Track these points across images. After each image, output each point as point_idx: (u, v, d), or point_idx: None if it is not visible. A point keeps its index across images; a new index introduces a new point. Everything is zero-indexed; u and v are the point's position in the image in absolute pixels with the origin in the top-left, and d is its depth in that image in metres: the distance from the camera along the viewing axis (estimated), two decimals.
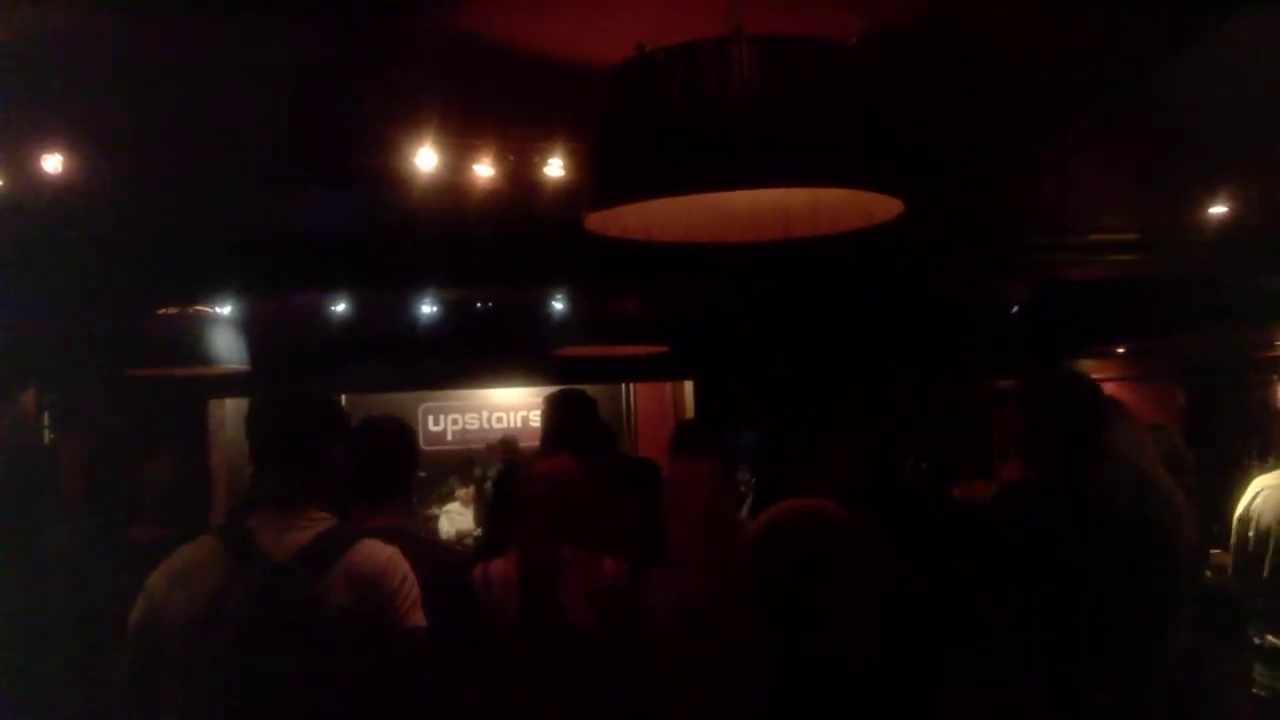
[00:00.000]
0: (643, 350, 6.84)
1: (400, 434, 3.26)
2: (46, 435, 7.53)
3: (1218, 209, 5.72)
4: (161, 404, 6.73)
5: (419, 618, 2.49)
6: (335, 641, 2.37)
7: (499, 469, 4.95)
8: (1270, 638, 3.96)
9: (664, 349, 6.81)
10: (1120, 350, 9.81)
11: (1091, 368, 9.83)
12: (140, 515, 3.64)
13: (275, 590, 2.36)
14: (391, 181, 4.33)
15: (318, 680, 2.35)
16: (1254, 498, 4.13)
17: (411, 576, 2.52)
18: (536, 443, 4.72)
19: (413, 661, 2.47)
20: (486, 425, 11.04)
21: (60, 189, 4.20)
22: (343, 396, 10.19)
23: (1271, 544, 4.00)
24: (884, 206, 2.42)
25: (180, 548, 2.48)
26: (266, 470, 2.55)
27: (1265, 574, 3.99)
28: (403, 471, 3.18)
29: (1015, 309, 7.66)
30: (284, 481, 2.51)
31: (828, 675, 2.35)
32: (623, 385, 10.50)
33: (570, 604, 3.10)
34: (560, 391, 4.43)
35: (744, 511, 4.96)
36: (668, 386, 10.41)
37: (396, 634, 2.45)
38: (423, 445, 10.09)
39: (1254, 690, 4.01)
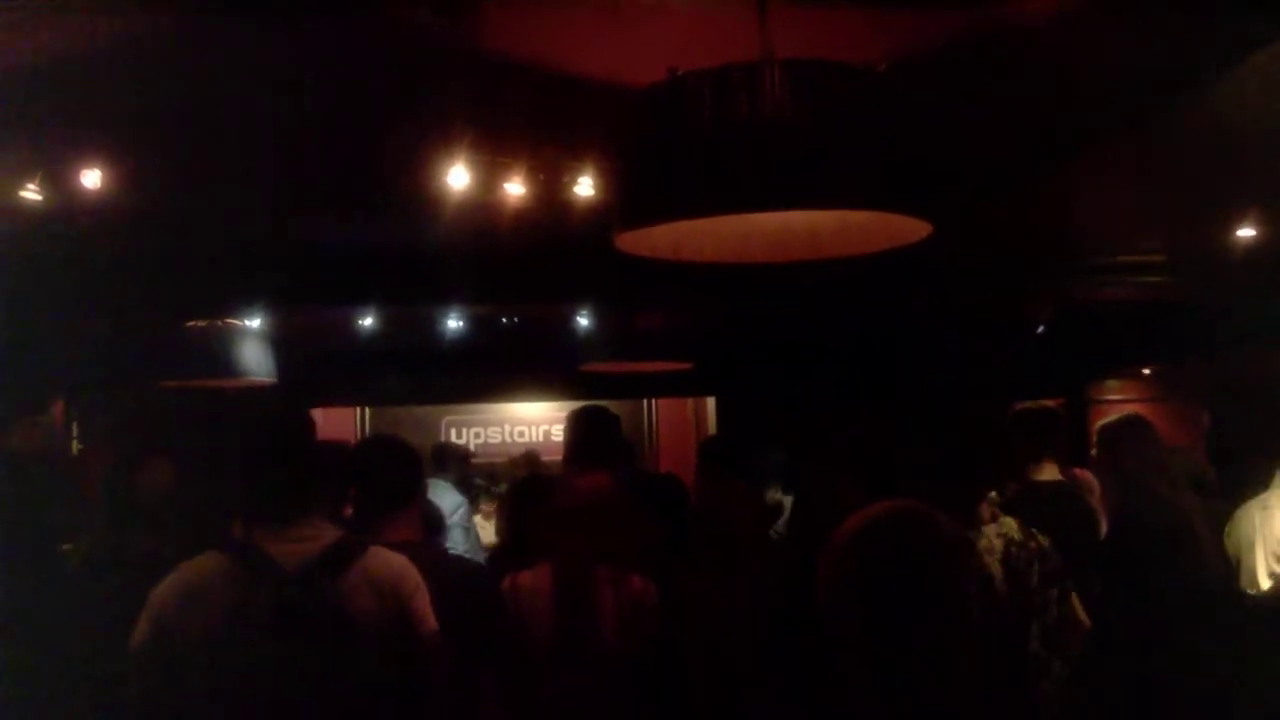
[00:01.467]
0: (667, 367, 6.86)
1: (403, 449, 3.30)
2: (75, 446, 7.60)
3: (1245, 231, 5.70)
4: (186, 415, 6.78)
5: (433, 621, 2.53)
6: (360, 647, 2.39)
7: (513, 482, 4.98)
8: None
9: (688, 365, 6.83)
10: (1146, 371, 9.76)
11: (1117, 388, 9.78)
12: (135, 525, 3.62)
13: (297, 600, 2.37)
14: (423, 199, 4.37)
15: (346, 686, 2.37)
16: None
17: (423, 582, 2.55)
18: (559, 457, 4.73)
19: (434, 664, 2.51)
20: (509, 439, 11.06)
21: (93, 203, 4.25)
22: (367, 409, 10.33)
23: None
24: (912, 228, 2.44)
25: (183, 564, 2.48)
26: (260, 484, 2.56)
27: None
28: (409, 486, 3.21)
29: (1041, 329, 7.64)
30: (281, 494, 2.52)
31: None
32: (644, 401, 10.51)
33: (602, 620, 3.12)
34: (584, 408, 4.46)
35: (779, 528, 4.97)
36: (689, 402, 10.43)
37: (417, 637, 2.48)
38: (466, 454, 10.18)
39: None
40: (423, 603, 2.52)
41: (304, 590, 2.38)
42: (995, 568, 3.33)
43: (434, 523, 4.77)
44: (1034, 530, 3.53)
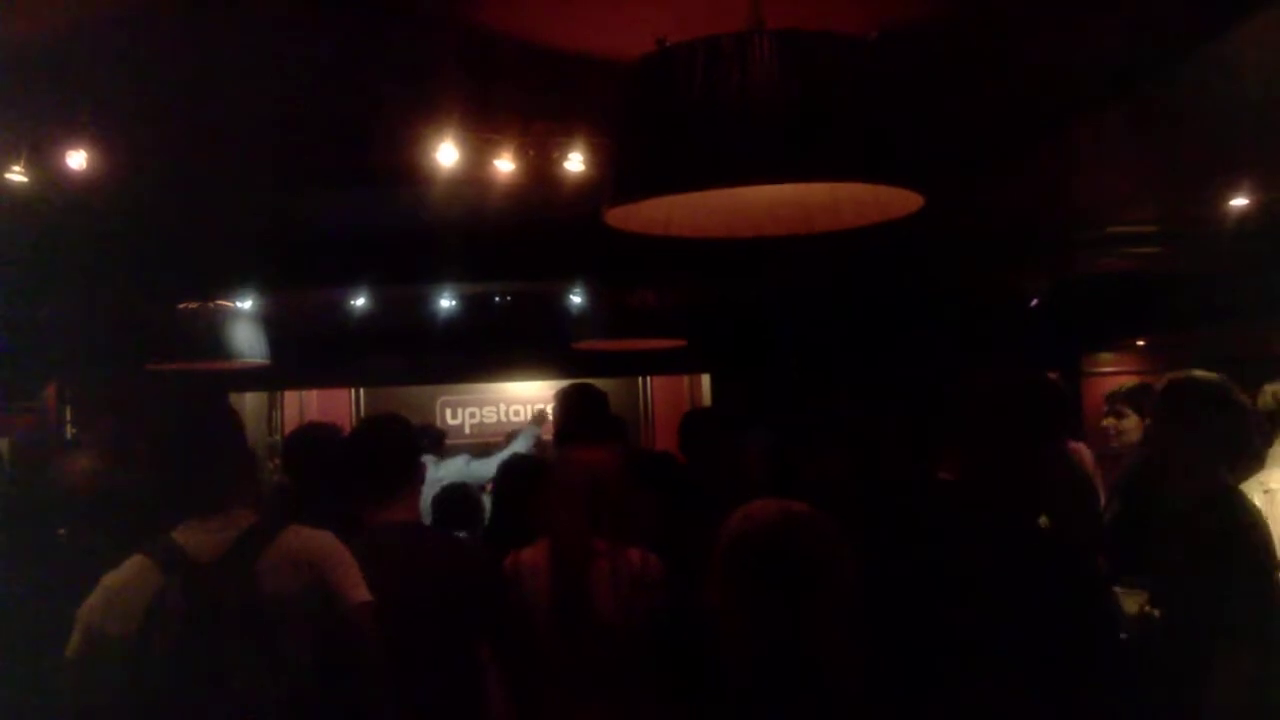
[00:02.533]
0: (660, 344, 6.85)
1: (399, 429, 3.28)
2: (68, 430, 7.59)
3: (1239, 201, 5.69)
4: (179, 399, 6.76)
5: (361, 592, 2.49)
6: (276, 627, 2.38)
7: (503, 462, 4.99)
8: None
9: (682, 343, 6.82)
10: (1141, 344, 9.76)
11: (1111, 361, 9.79)
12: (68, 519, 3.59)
13: (206, 589, 2.37)
14: (412, 176, 4.35)
15: (265, 667, 2.36)
16: None
17: (347, 554, 2.53)
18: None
19: (360, 636, 2.47)
20: (504, 418, 11.04)
21: (82, 185, 4.22)
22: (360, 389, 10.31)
23: None
24: (903, 201, 2.42)
25: (110, 573, 2.47)
26: (181, 477, 2.55)
27: None
28: (405, 466, 3.20)
29: (1035, 302, 7.64)
30: (201, 486, 2.51)
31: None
32: (640, 379, 10.50)
33: (598, 595, 3.11)
34: (572, 386, 4.45)
35: None
36: (685, 380, 10.42)
37: (340, 610, 2.45)
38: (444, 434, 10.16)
39: None
40: (346, 575, 2.49)
41: (218, 578, 2.38)
42: None
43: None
44: None
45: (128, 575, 2.45)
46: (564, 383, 4.64)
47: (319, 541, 2.52)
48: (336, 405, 9.99)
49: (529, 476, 4.10)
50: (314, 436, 3.95)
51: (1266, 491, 3.96)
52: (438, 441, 7.36)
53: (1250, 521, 3.08)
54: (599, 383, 4.58)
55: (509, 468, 4.50)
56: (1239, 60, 3.63)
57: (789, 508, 1.91)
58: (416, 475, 3.24)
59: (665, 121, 2.22)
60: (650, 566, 3.22)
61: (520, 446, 7.02)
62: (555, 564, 3.17)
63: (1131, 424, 4.91)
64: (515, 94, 3.92)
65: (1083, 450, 5.04)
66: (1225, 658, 2.80)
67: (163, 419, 2.62)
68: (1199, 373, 3.33)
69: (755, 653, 1.85)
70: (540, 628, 3.14)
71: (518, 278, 6.98)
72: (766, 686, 1.84)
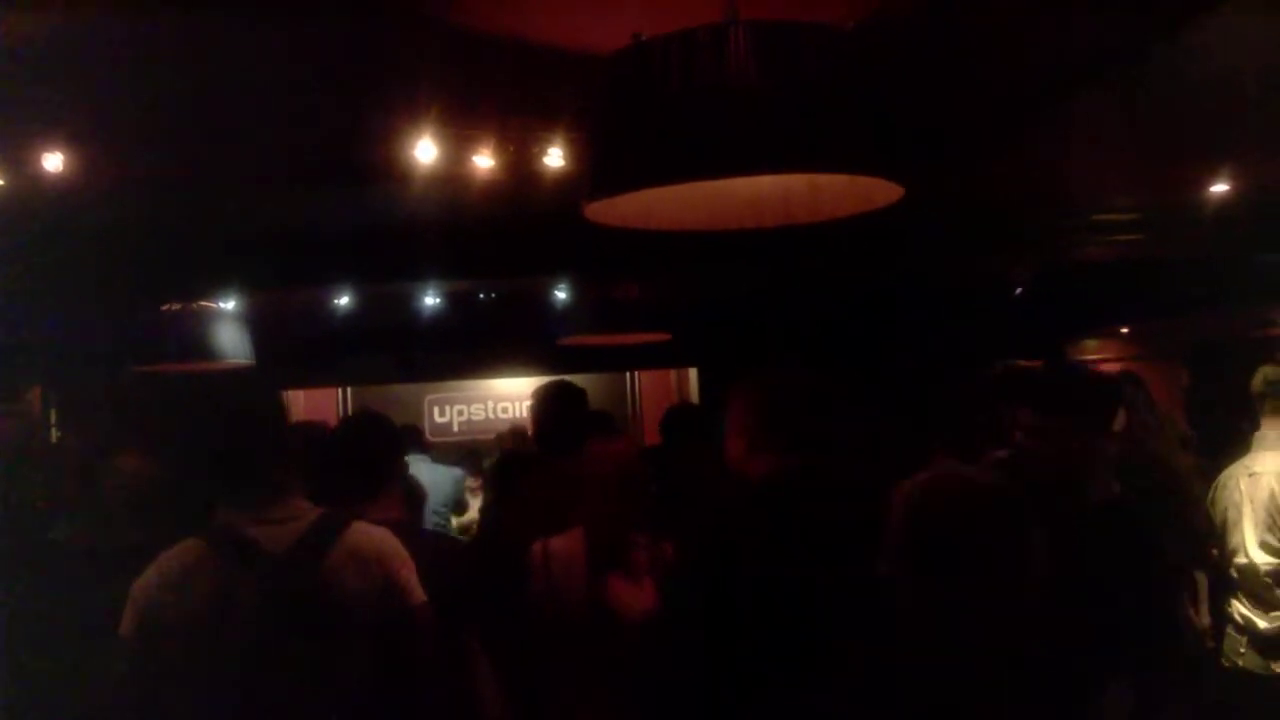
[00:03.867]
0: (646, 338, 6.85)
1: (380, 426, 3.27)
2: (53, 434, 7.55)
3: (1219, 187, 5.71)
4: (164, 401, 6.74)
5: (421, 594, 2.51)
6: (349, 625, 2.38)
7: (495, 458, 4.97)
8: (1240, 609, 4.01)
9: (667, 337, 6.82)
10: (1124, 330, 9.79)
11: (1096, 348, 9.82)
12: (111, 514, 3.57)
13: (284, 582, 2.36)
14: (391, 174, 4.34)
15: (339, 665, 2.36)
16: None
17: (407, 554, 2.53)
18: None
19: (426, 636, 2.50)
20: (492, 416, 11.04)
21: (61, 187, 4.20)
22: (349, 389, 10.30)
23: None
24: (884, 191, 2.41)
25: (163, 554, 2.44)
26: (234, 468, 2.52)
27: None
28: (388, 463, 3.19)
29: (1019, 290, 7.66)
30: (257, 477, 2.49)
31: None
32: (627, 374, 10.50)
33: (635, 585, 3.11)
34: (550, 384, 4.41)
35: None
36: (672, 374, 10.42)
37: (405, 610, 2.46)
38: (429, 437, 10.15)
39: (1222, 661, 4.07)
40: (409, 575, 2.50)
41: (291, 572, 2.37)
42: None
43: (415, 498, 4.76)
44: None
45: (186, 558, 2.41)
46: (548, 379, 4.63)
47: (385, 540, 2.52)
48: (323, 405, 9.97)
49: (524, 473, 4.11)
50: (303, 435, 3.93)
51: (1251, 475, 3.98)
52: (418, 441, 7.35)
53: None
54: (586, 378, 4.58)
55: (502, 465, 4.50)
56: (1221, 45, 3.64)
57: (972, 480, 1.90)
58: (398, 473, 3.23)
59: (642, 115, 2.21)
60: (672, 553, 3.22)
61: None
62: (593, 554, 3.17)
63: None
64: (493, 90, 3.91)
65: None
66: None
67: (219, 411, 2.60)
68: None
69: (936, 623, 1.83)
70: (573, 617, 3.13)
71: (501, 274, 6.97)
72: (948, 655, 1.82)
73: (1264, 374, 4.06)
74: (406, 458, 3.60)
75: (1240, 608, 3.98)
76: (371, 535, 2.51)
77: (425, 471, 6.23)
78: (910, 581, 1.94)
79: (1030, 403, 3.14)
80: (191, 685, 2.34)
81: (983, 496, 1.95)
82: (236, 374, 6.25)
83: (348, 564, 2.42)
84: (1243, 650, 3.96)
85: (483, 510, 6.18)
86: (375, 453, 3.16)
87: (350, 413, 9.55)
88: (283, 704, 2.34)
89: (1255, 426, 4.08)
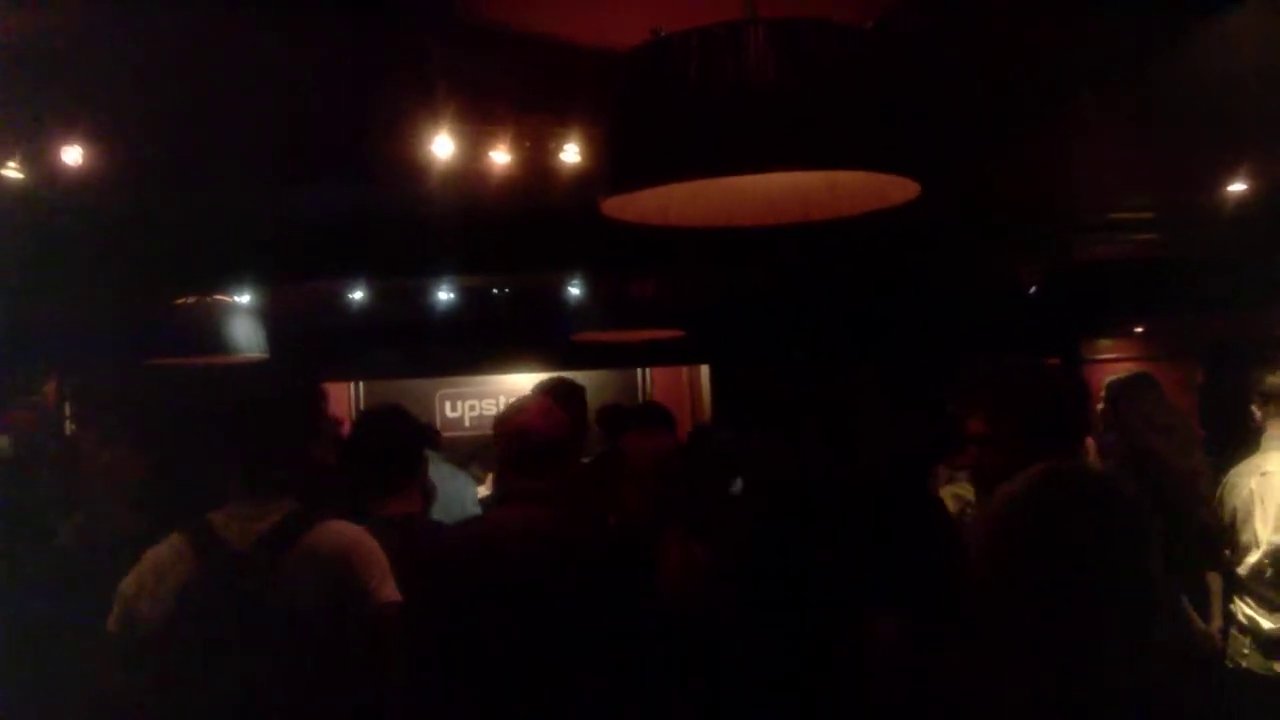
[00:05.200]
0: (659, 335, 6.85)
1: (401, 421, 3.27)
2: (68, 427, 7.59)
3: (1237, 186, 5.68)
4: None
5: (390, 592, 2.48)
6: (301, 622, 2.37)
7: None
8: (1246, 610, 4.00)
9: (681, 333, 6.82)
10: (1139, 330, 9.76)
11: (1110, 348, 9.79)
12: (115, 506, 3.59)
13: (234, 578, 2.37)
14: (408, 168, 4.34)
15: (288, 663, 2.35)
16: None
17: (379, 553, 2.51)
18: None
19: (383, 635, 2.47)
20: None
21: (79, 180, 4.22)
22: (360, 383, 10.32)
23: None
24: (901, 188, 2.42)
25: (150, 550, 2.48)
26: (232, 462, 2.55)
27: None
28: (408, 458, 3.19)
29: (1033, 289, 7.63)
30: (250, 473, 2.51)
31: None
32: (639, 370, 10.50)
33: (664, 582, 3.11)
34: (548, 381, 4.41)
35: None
36: (684, 371, 10.42)
37: (365, 610, 2.45)
38: (440, 431, 10.16)
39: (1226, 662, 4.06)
40: (375, 574, 2.48)
41: (240, 567, 2.38)
42: None
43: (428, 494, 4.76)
44: None
45: (165, 555, 2.45)
46: (558, 374, 4.63)
47: (352, 537, 2.51)
48: (336, 399, 9.99)
49: None
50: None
51: (1263, 474, 3.97)
52: (433, 440, 7.35)
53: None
54: (599, 374, 4.57)
55: None
56: (1238, 43, 3.62)
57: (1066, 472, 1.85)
58: (420, 468, 3.23)
59: (660, 111, 2.22)
60: (704, 557, 3.22)
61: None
62: None
63: None
64: (510, 85, 3.91)
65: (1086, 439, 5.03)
66: None
67: (212, 404, 2.62)
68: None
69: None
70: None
71: (516, 270, 6.98)
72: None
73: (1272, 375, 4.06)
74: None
75: (1245, 608, 3.97)
76: (341, 534, 2.49)
77: (446, 476, 6.25)
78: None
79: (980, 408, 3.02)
80: (162, 681, 2.36)
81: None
82: (242, 369, 6.26)
83: (306, 562, 2.41)
84: (1246, 651, 3.95)
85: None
86: (398, 448, 3.16)
87: (364, 407, 9.58)
88: (239, 697, 2.34)
89: (1259, 426, 4.06)
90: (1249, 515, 3.93)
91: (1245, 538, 3.95)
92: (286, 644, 2.35)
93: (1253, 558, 3.93)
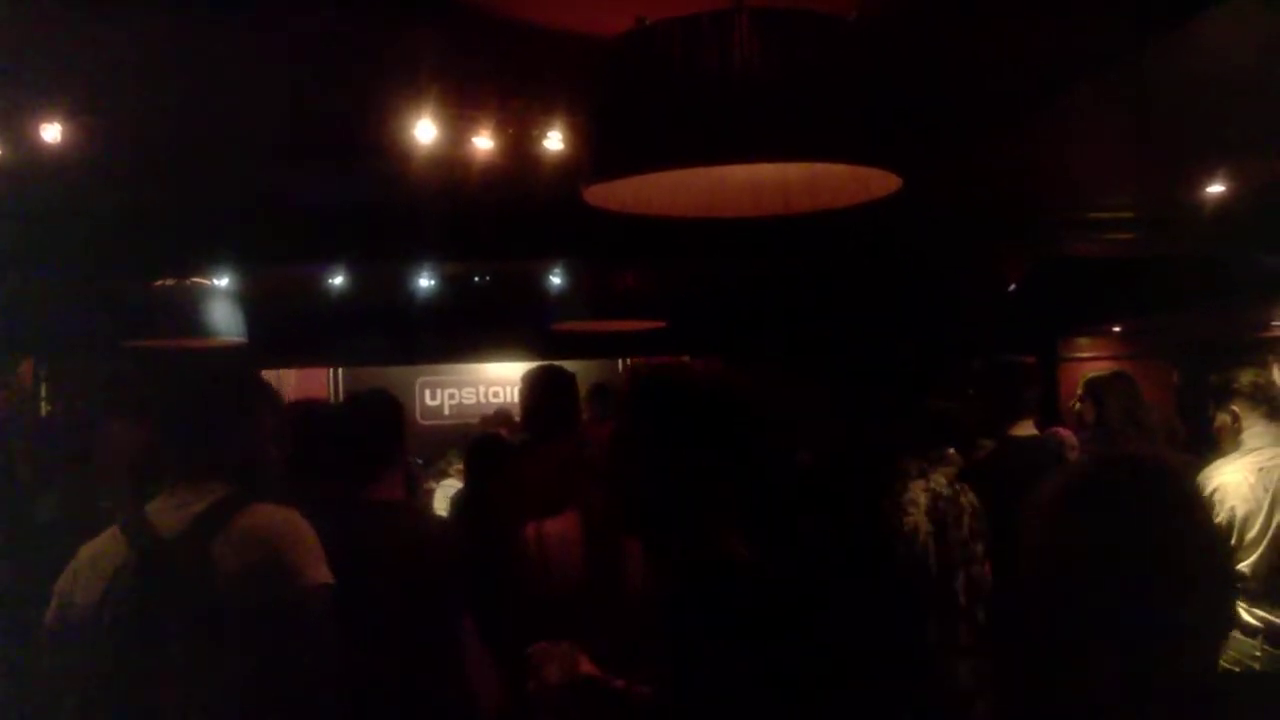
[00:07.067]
0: (641, 325, 6.85)
1: (387, 407, 3.26)
2: (43, 407, 7.54)
3: (1216, 187, 5.72)
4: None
5: (320, 574, 2.43)
6: (228, 607, 2.34)
7: (472, 439, 4.94)
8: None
9: (662, 324, 6.82)
10: (1116, 329, 9.82)
11: (1088, 345, 9.85)
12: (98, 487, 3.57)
13: (161, 564, 2.35)
14: (390, 154, 4.32)
15: (215, 649, 2.32)
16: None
17: (311, 535, 2.47)
18: None
19: (312, 617, 2.42)
20: (483, 400, 11.03)
21: (59, 159, 4.18)
22: (339, 369, 10.29)
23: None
24: (882, 181, 2.43)
25: (87, 543, 2.45)
26: (167, 446, 2.54)
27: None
28: (392, 445, 3.18)
29: (1012, 287, 7.67)
30: (182, 457, 2.49)
31: None
32: (620, 360, 10.50)
33: (630, 569, 3.11)
34: (539, 368, 4.39)
35: None
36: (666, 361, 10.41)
37: (293, 591, 2.40)
38: (419, 420, 10.15)
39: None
40: (303, 555, 2.43)
41: (163, 553, 2.36)
42: (920, 520, 3.46)
43: (411, 479, 4.76)
44: (966, 487, 3.63)
45: (99, 546, 2.43)
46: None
47: (279, 519, 2.46)
48: (315, 385, 9.96)
49: (497, 456, 4.10)
50: (308, 411, 3.91)
51: (1261, 470, 3.95)
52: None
53: None
54: (580, 364, 4.56)
55: (479, 446, 4.50)
56: (1218, 43, 3.64)
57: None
58: (401, 454, 3.22)
59: (644, 99, 2.22)
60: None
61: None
62: (589, 538, 3.17)
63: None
64: (494, 70, 3.90)
65: (1065, 435, 5.06)
66: None
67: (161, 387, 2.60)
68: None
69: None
70: (567, 598, 3.14)
71: (497, 257, 6.96)
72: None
73: (1252, 374, 4.05)
74: None
75: (1253, 609, 3.92)
76: (270, 516, 2.45)
77: None
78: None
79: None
80: (90, 669, 2.34)
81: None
82: (192, 355, 6.23)
83: (234, 546, 2.37)
84: (1258, 653, 3.89)
85: (459, 495, 6.24)
86: (379, 433, 3.15)
87: (350, 391, 9.53)
88: (163, 684, 2.31)
89: (1236, 427, 4.05)
90: (1256, 511, 3.89)
91: (1251, 535, 3.91)
92: (215, 629, 2.34)
93: (1256, 554, 3.89)
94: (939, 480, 3.65)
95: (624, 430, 2.20)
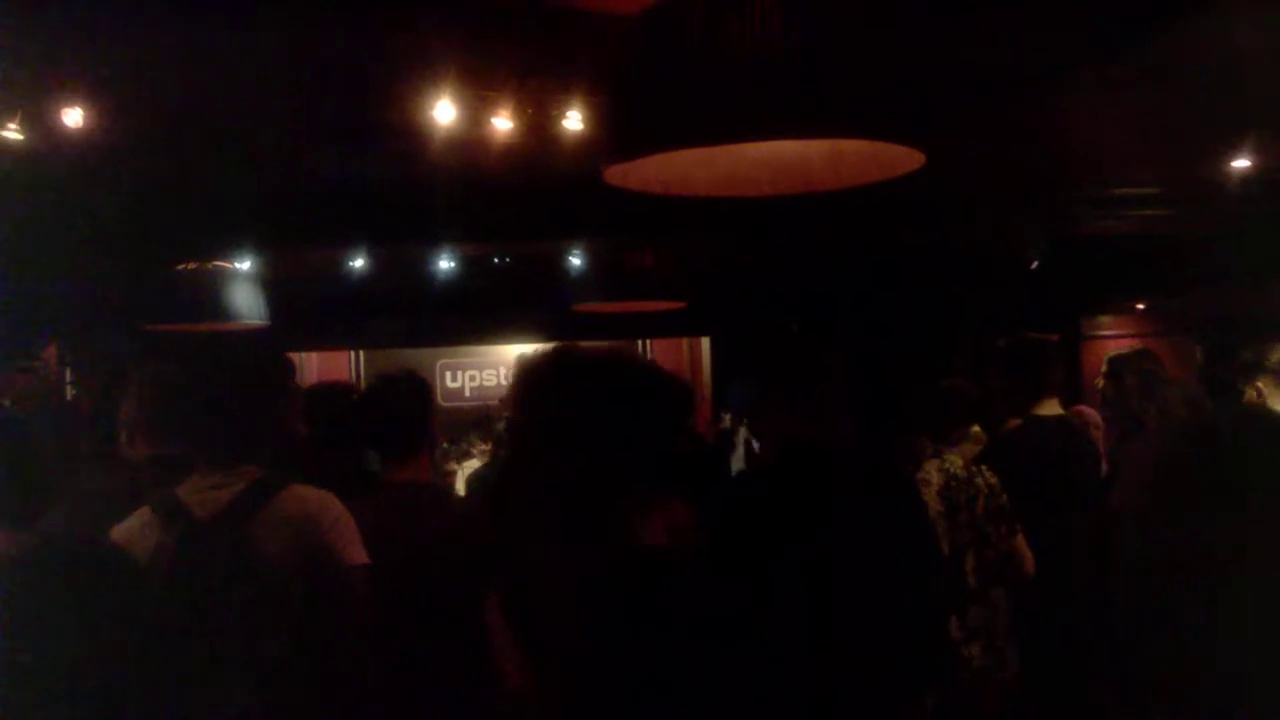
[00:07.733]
0: (660, 306, 6.85)
1: (415, 389, 3.25)
2: (68, 391, 7.59)
3: (1241, 162, 5.66)
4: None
5: (358, 555, 2.46)
6: (267, 588, 2.36)
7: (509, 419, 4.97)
8: None
9: (682, 305, 6.81)
10: (1140, 306, 9.74)
11: (1111, 323, 9.77)
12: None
13: (199, 547, 2.37)
14: (410, 135, 4.32)
15: (257, 630, 2.34)
16: None
17: (348, 517, 2.49)
18: None
19: (353, 598, 2.45)
20: (504, 381, 11.02)
21: (80, 144, 4.20)
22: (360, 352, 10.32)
23: None
24: (905, 159, 2.40)
25: (118, 525, 2.46)
26: (199, 430, 2.54)
27: None
28: (421, 426, 3.18)
29: (1035, 265, 7.62)
30: (215, 440, 2.50)
31: None
32: (640, 341, 10.50)
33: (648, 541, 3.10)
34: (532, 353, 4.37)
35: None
36: (685, 342, 10.42)
37: (336, 572, 2.43)
38: (440, 402, 10.14)
39: None
40: (342, 537, 2.46)
41: (203, 536, 2.37)
42: (932, 499, 3.44)
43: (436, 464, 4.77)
44: (984, 468, 3.61)
45: (132, 528, 2.44)
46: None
47: (317, 501, 2.48)
48: (336, 368, 10.00)
49: None
50: (333, 393, 3.91)
51: None
52: None
53: None
54: (600, 345, 4.53)
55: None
56: (1243, 18, 3.60)
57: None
58: (431, 436, 3.21)
59: (664, 77, 2.20)
60: (689, 517, 3.21)
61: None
62: None
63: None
64: (513, 50, 3.89)
65: (1089, 414, 5.03)
66: None
67: (192, 372, 2.60)
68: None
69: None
70: None
71: (517, 238, 6.96)
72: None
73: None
74: None
75: None
76: (305, 498, 2.47)
77: None
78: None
79: None
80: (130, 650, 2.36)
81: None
82: (212, 339, 6.24)
83: (275, 526, 2.39)
84: None
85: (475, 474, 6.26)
86: (409, 415, 3.14)
87: (379, 372, 9.55)
88: (206, 667, 2.32)
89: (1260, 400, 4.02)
90: None
91: None
92: (253, 611, 2.35)
93: None
94: (954, 460, 3.62)
95: (516, 421, 2.13)
